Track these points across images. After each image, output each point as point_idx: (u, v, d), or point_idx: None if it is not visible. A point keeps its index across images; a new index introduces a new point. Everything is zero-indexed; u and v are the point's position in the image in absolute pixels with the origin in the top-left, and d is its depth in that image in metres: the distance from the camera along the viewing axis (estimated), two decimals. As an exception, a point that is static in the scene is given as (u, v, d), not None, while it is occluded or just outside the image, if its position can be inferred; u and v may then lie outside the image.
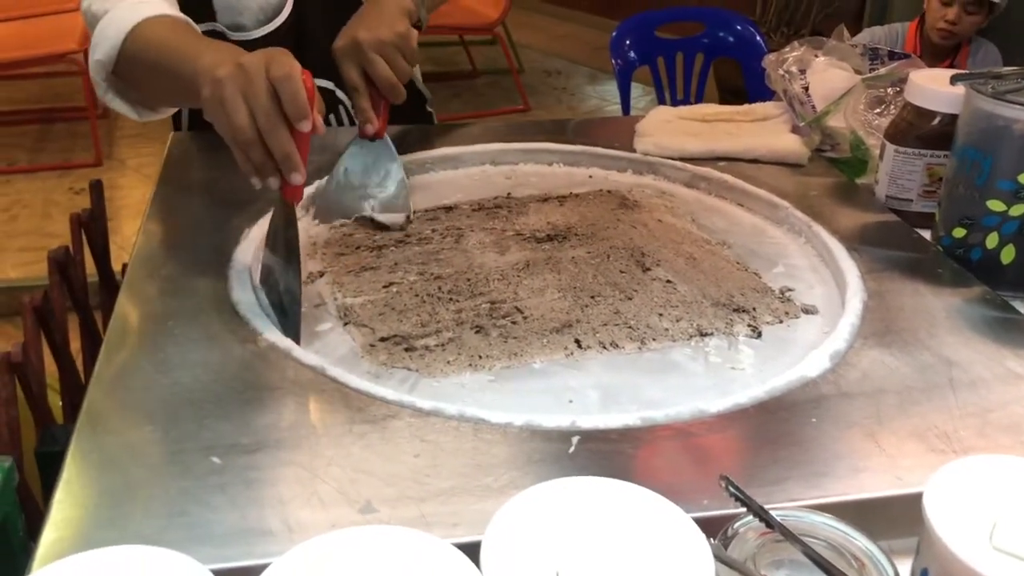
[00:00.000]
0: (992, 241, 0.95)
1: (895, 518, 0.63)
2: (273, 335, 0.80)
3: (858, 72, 1.27)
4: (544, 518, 0.52)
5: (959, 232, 0.97)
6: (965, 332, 0.84)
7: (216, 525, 0.60)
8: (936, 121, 1.05)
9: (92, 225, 1.09)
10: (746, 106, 1.32)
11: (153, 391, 0.74)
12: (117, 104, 1.06)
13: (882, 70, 1.22)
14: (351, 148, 1.08)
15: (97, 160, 3.54)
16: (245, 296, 0.86)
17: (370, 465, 0.66)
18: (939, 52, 2.47)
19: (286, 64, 0.80)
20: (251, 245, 0.95)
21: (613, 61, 2.41)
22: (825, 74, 1.26)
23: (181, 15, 1.02)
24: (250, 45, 1.13)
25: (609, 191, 1.16)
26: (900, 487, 0.66)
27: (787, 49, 1.31)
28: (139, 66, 1.00)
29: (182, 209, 1.05)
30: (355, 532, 0.52)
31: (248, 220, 0.99)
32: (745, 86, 2.41)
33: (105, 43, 0.99)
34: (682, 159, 1.19)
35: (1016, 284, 0.93)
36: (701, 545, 0.51)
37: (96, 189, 1.15)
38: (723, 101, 3.52)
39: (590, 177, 1.22)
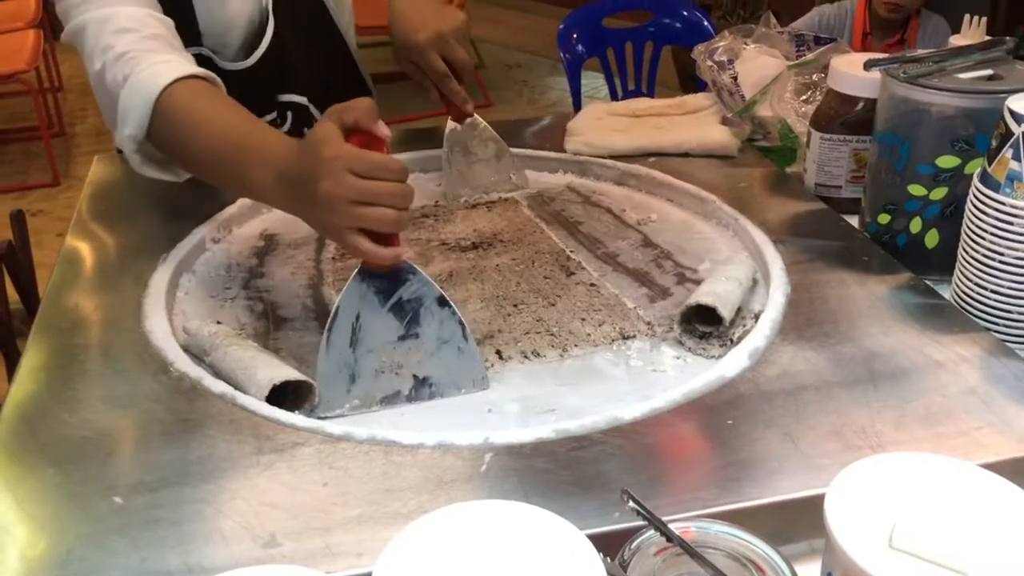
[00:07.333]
0: (916, 226, 0.94)
1: (813, 519, 0.63)
2: (185, 366, 0.79)
3: (788, 59, 1.25)
4: (438, 546, 0.51)
5: (884, 218, 0.97)
6: (887, 321, 0.84)
7: (113, 570, 0.59)
8: (859, 107, 1.04)
9: (13, 257, 1.07)
10: (677, 98, 1.30)
11: (60, 431, 0.72)
12: (155, 174, 0.99)
13: (808, 56, 1.21)
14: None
15: (54, 180, 3.50)
16: (159, 325, 0.84)
17: (276, 496, 0.65)
18: (889, 27, 2.46)
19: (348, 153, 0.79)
20: (168, 270, 0.93)
21: (562, 55, 2.39)
22: (755, 62, 1.25)
23: (199, 69, 0.94)
24: (238, 75, 1.12)
25: (539, 193, 1.15)
26: (816, 487, 0.65)
27: (717, 39, 1.30)
28: (174, 144, 0.93)
29: (101, 236, 1.03)
30: (248, 573, 0.51)
31: (166, 245, 0.97)
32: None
33: (134, 114, 0.92)
34: (612, 157, 1.18)
35: (942, 268, 0.92)
36: (596, 566, 0.50)
37: (17, 219, 1.13)
38: (684, 88, 3.51)
39: (521, 179, 1.20)
